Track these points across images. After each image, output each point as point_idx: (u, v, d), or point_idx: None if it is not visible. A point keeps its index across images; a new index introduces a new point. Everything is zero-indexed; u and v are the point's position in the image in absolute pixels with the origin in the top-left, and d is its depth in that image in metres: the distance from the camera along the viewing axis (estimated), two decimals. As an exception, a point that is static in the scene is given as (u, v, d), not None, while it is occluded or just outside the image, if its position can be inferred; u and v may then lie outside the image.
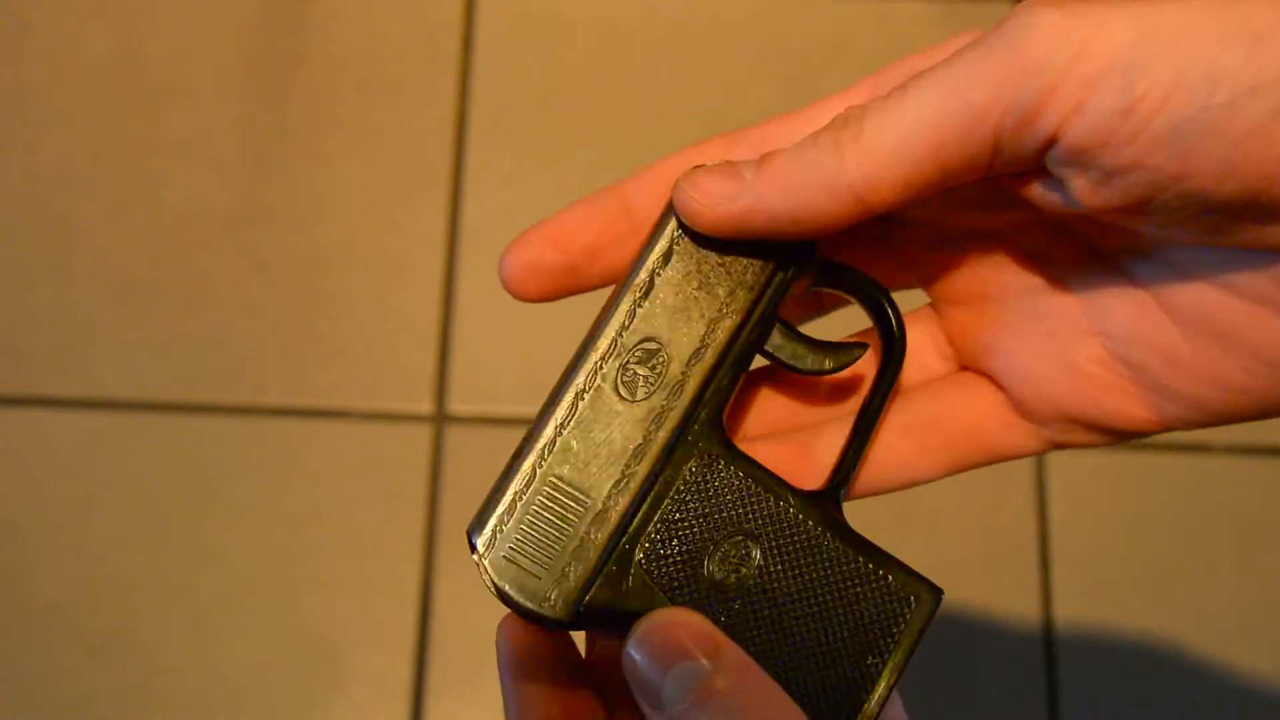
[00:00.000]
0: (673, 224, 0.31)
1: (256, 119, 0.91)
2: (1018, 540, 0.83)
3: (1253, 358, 0.28)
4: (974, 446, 0.32)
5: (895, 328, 0.32)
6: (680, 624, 0.27)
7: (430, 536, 0.82)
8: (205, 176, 0.90)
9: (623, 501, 0.30)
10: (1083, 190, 0.26)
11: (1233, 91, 0.24)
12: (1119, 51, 0.24)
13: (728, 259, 0.31)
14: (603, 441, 0.30)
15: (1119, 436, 0.31)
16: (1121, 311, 0.29)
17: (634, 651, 0.27)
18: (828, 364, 0.32)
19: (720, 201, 0.29)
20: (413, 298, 0.87)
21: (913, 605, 0.30)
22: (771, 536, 0.30)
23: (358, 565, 0.82)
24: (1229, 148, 0.24)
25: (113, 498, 0.83)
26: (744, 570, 0.30)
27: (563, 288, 0.31)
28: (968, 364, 0.33)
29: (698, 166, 0.30)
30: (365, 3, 0.94)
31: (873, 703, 0.29)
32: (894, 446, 0.32)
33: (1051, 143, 0.25)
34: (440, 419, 0.84)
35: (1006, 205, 0.29)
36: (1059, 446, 0.32)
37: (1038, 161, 0.26)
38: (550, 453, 0.31)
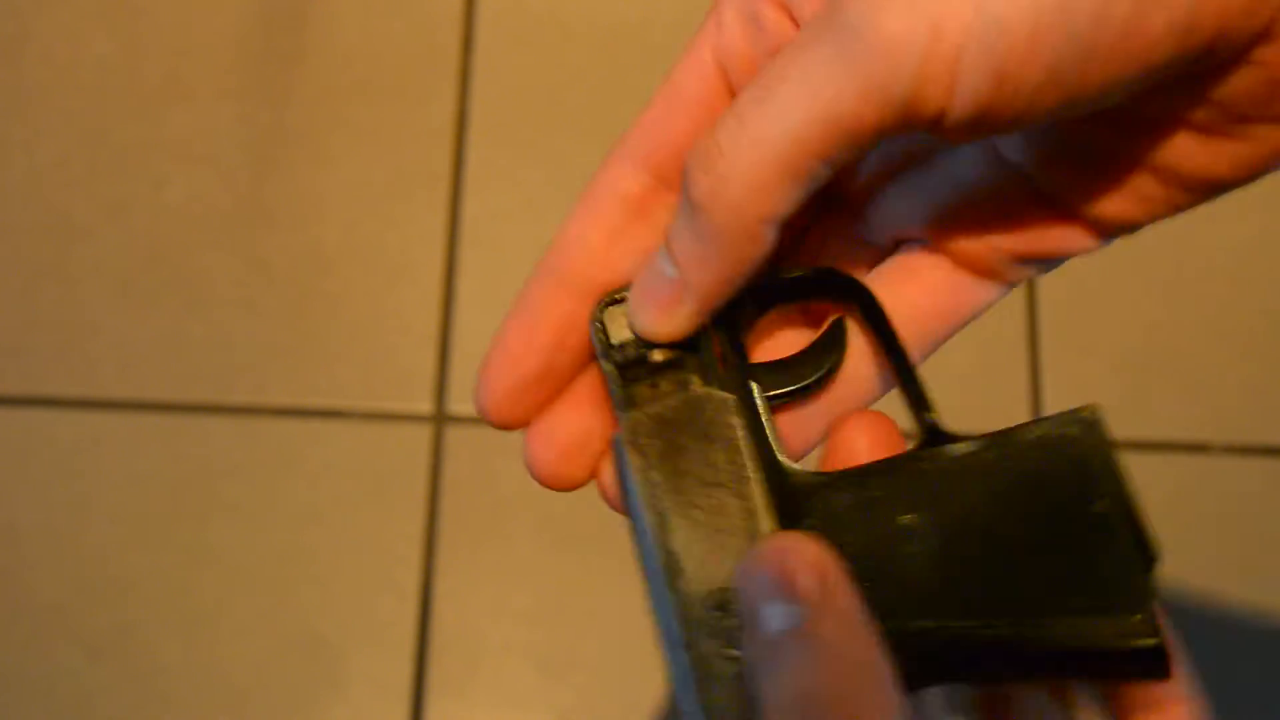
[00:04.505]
0: (626, 458, 0.28)
1: (256, 119, 0.91)
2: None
3: (1169, 171, 0.28)
4: (941, 323, 0.31)
5: (857, 290, 0.30)
6: (793, 550, 0.25)
7: (430, 536, 0.82)
8: (205, 176, 0.90)
9: None
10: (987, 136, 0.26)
11: (1089, 8, 0.24)
12: (969, 17, 0.24)
13: (688, 431, 0.28)
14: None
15: (1067, 257, 0.31)
16: (1035, 149, 0.29)
17: (742, 574, 0.26)
18: (828, 364, 0.30)
19: (675, 312, 0.28)
20: (413, 298, 0.87)
21: (1087, 427, 0.26)
22: (930, 504, 0.27)
23: (357, 565, 0.82)
24: (1104, 63, 0.24)
25: (113, 498, 0.83)
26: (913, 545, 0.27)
27: (547, 395, 0.30)
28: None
29: (615, 300, 0.29)
30: (365, 3, 0.94)
31: (1148, 548, 0.26)
32: (871, 359, 0.31)
33: (939, 118, 0.25)
34: (440, 419, 0.84)
35: None
36: (1015, 284, 0.32)
37: (934, 127, 0.26)
38: None
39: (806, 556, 0.25)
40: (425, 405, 0.84)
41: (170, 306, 0.87)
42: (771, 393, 0.29)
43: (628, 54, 0.93)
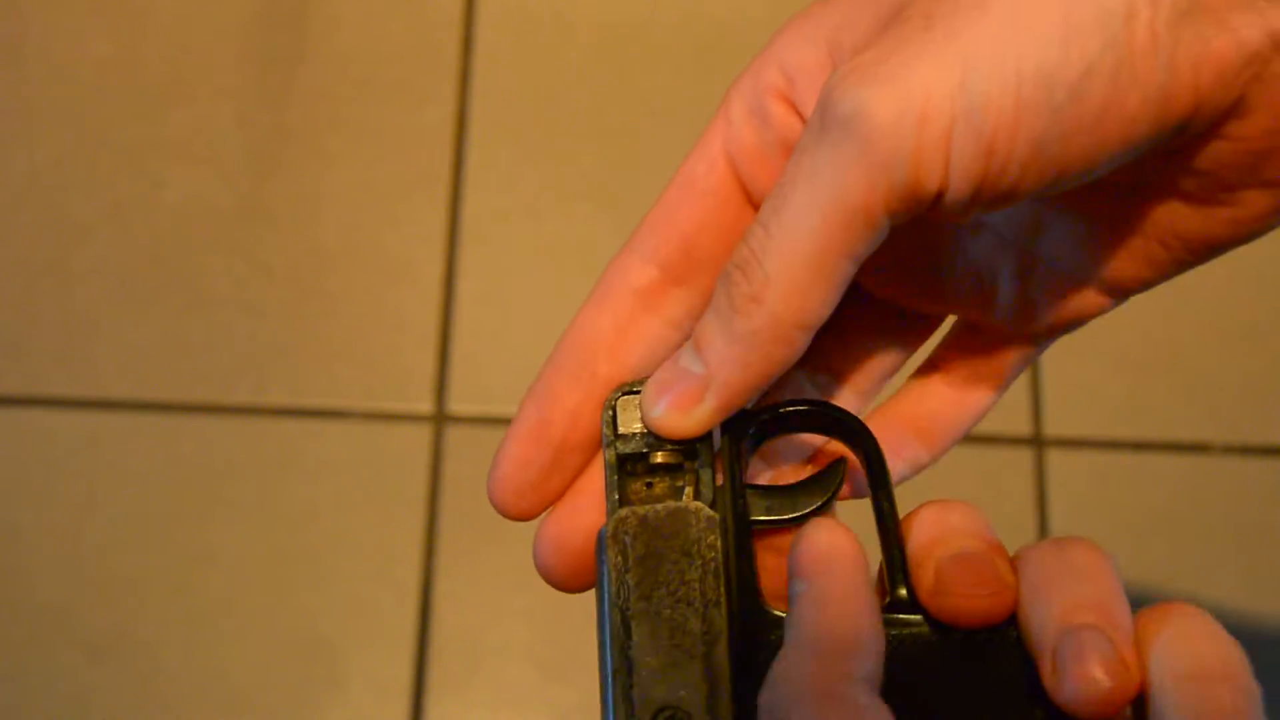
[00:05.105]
0: (605, 554, 0.28)
1: (256, 119, 0.91)
2: (1017, 540, 0.83)
3: (1170, 236, 0.29)
4: (949, 434, 0.33)
5: (860, 430, 0.30)
6: (801, 539, 0.27)
7: (430, 536, 0.82)
8: (205, 176, 0.90)
9: None
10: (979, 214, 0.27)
11: (1068, 85, 0.25)
12: (953, 99, 0.25)
13: (668, 541, 0.29)
14: None
15: (1082, 321, 0.32)
16: (1052, 232, 0.30)
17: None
18: (820, 501, 0.29)
19: (692, 410, 0.29)
20: (413, 297, 0.87)
21: None
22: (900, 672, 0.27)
23: (357, 565, 0.82)
24: (1088, 136, 0.25)
25: (113, 498, 0.83)
26: None
27: (557, 489, 0.31)
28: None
29: (632, 390, 0.30)
30: (365, 3, 0.94)
31: None
32: (916, 452, 0.32)
33: (940, 196, 0.26)
34: (440, 419, 0.84)
35: None
36: (1031, 357, 0.33)
37: (938, 207, 0.27)
38: None
39: (811, 545, 0.27)
40: (425, 405, 0.84)
41: (170, 306, 0.87)
42: (760, 518, 0.29)
43: (628, 54, 0.93)
